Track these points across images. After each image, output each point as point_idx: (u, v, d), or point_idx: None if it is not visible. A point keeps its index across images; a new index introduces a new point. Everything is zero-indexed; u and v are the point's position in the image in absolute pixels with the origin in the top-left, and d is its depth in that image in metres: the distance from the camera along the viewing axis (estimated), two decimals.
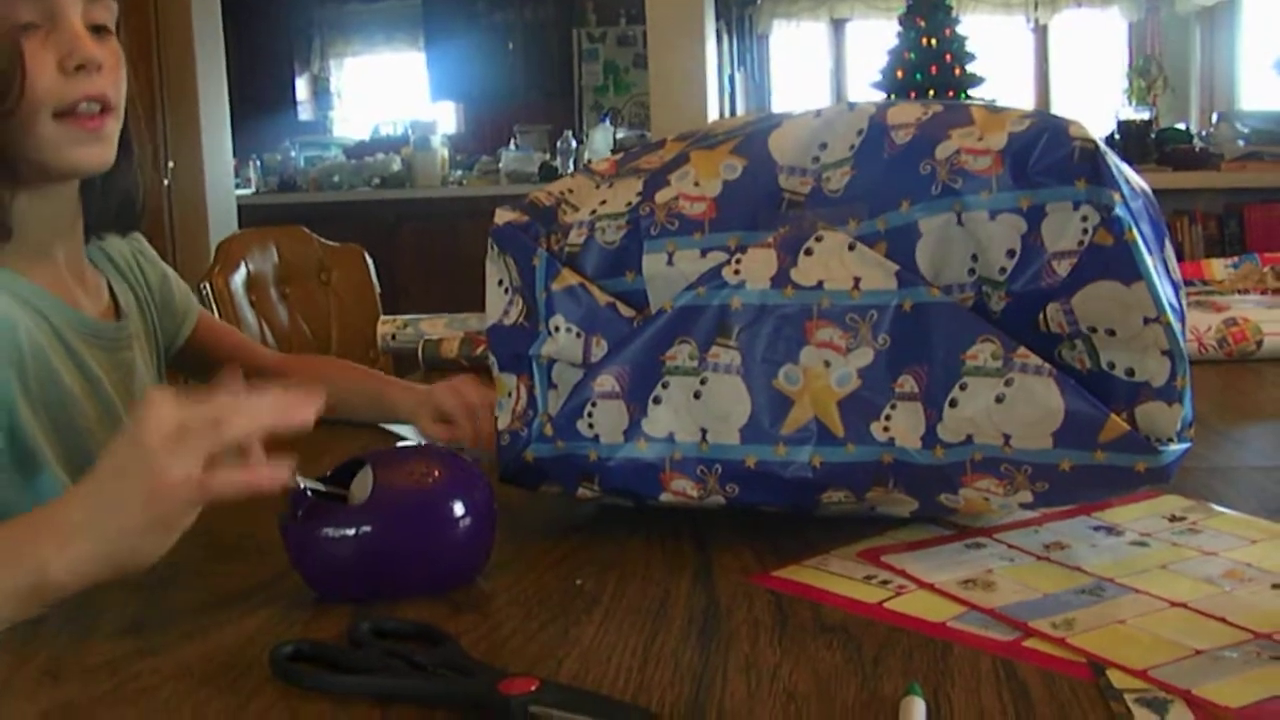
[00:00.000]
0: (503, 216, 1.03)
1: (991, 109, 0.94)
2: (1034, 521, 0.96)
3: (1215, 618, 0.76)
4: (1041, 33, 6.74)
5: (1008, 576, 0.85)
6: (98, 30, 1.11)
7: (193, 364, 1.43)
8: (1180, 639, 0.73)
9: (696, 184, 0.97)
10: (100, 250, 1.29)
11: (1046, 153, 0.88)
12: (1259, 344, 1.70)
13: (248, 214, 4.28)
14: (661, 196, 0.98)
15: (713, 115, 4.51)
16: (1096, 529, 0.95)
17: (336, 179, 6.17)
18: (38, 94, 1.05)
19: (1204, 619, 0.76)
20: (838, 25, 7.00)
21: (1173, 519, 0.96)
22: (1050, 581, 0.83)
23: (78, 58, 1.07)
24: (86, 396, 1.13)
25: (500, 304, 1.02)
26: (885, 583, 0.85)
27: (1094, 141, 0.87)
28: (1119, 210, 0.85)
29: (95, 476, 0.81)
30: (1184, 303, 0.91)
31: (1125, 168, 0.90)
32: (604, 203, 1.01)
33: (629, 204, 0.99)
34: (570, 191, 1.06)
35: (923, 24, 5.37)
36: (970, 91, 5.37)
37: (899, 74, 5.37)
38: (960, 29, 5.46)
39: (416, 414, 1.35)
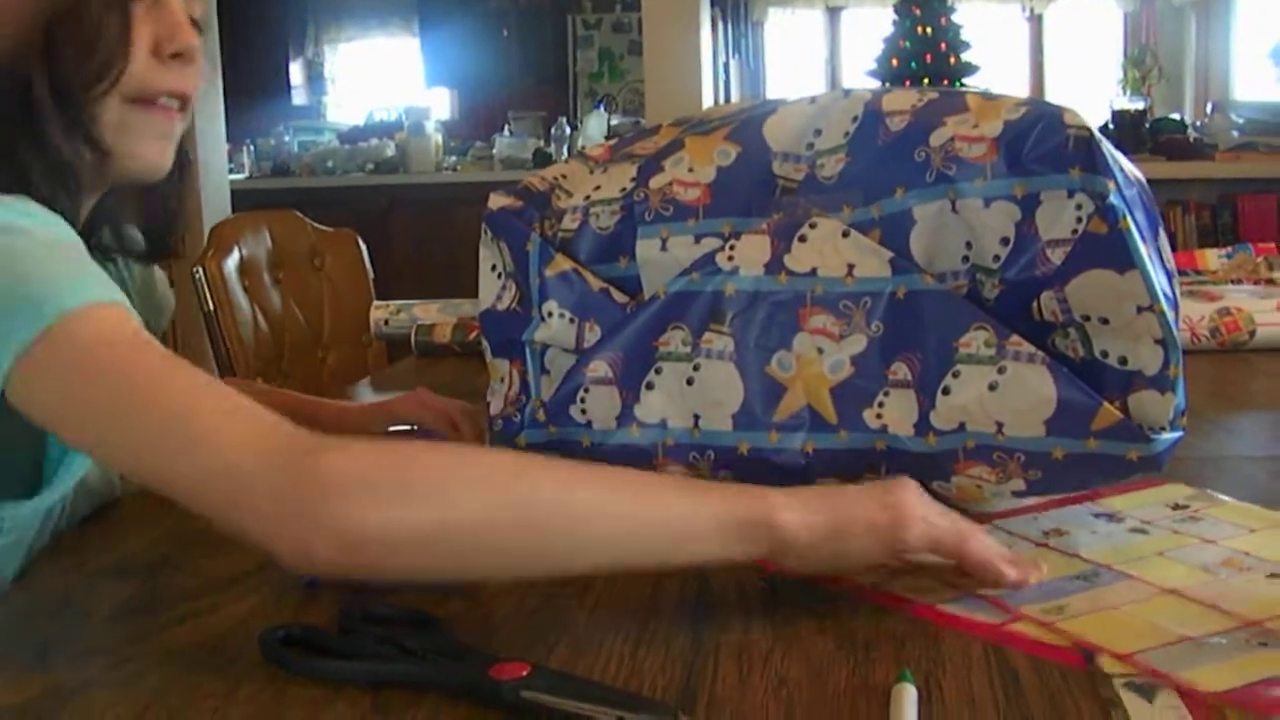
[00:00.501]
0: (497, 201, 1.03)
1: (987, 96, 0.94)
2: (1034, 509, 0.96)
3: (1207, 604, 0.76)
4: (1036, 22, 6.73)
5: None
6: (193, 24, 1.00)
7: None
8: (1171, 625, 0.73)
9: (691, 170, 0.97)
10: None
11: (1041, 140, 0.88)
12: (1252, 334, 1.70)
13: (241, 199, 4.27)
14: (656, 182, 0.97)
15: (707, 103, 4.50)
16: (1097, 516, 0.94)
17: (330, 164, 6.15)
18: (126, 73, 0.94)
19: (1196, 605, 0.76)
20: (833, 13, 6.98)
21: (1175, 507, 0.96)
22: (1047, 568, 0.83)
23: (178, 44, 0.96)
24: None
25: (493, 289, 1.02)
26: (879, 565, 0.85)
27: (1089, 129, 0.87)
28: (1113, 199, 0.85)
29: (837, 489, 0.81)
30: (1178, 292, 0.91)
31: (1120, 156, 0.90)
32: (598, 188, 1.00)
33: (623, 189, 0.99)
34: (564, 177, 1.06)
35: (918, 12, 5.35)
36: (965, 80, 5.36)
37: (894, 62, 5.35)
38: (955, 18, 5.45)
39: (367, 429, 1.29)
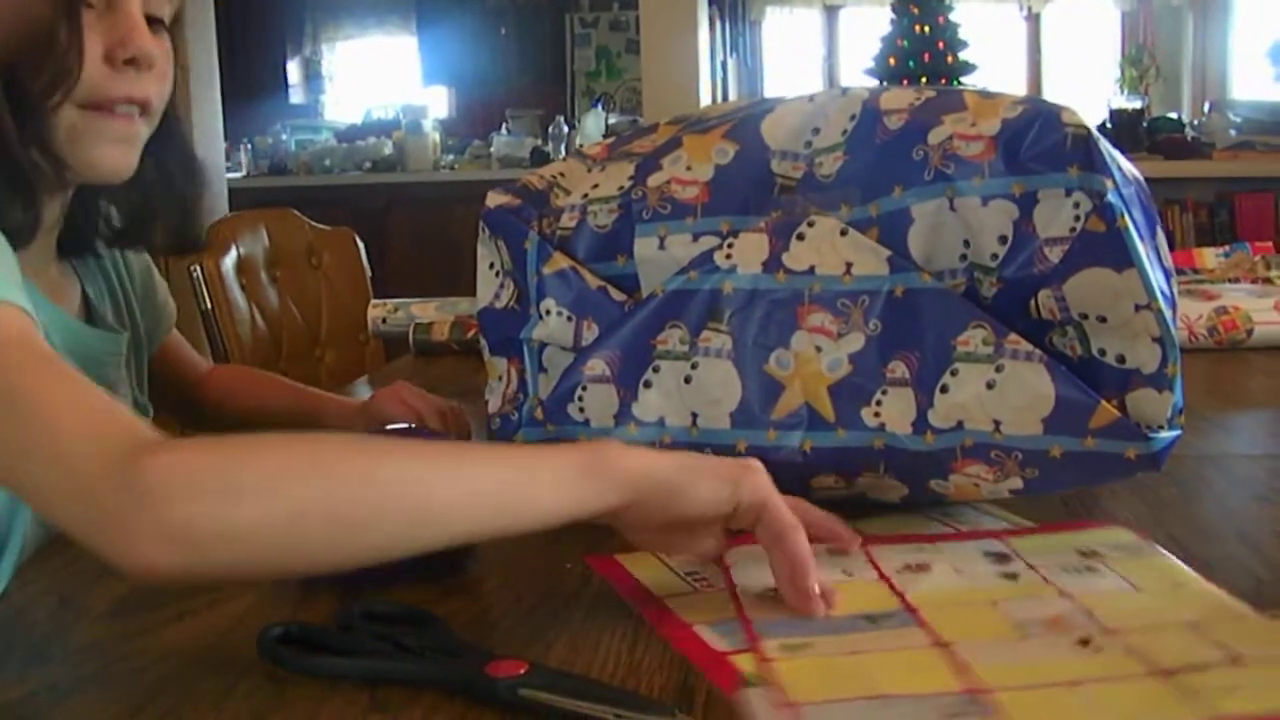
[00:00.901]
0: (494, 200, 1.03)
1: (985, 95, 0.94)
2: (930, 538, 0.90)
3: (958, 665, 0.68)
4: (1034, 21, 6.74)
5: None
6: (152, 23, 0.98)
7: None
8: (886, 680, 0.66)
9: (689, 168, 0.97)
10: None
11: (1039, 139, 0.88)
12: (1249, 332, 1.70)
13: (238, 197, 4.26)
14: (654, 180, 0.97)
15: (705, 101, 4.50)
16: (987, 554, 0.86)
17: (327, 163, 6.14)
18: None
19: (945, 664, 0.68)
20: (831, 12, 6.98)
21: (1082, 554, 0.85)
22: (845, 603, 0.77)
23: (131, 50, 0.94)
24: None
25: (491, 287, 1.02)
26: (697, 577, 0.83)
27: (1087, 128, 0.87)
28: (1111, 197, 0.85)
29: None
30: (1175, 290, 0.91)
31: (1118, 155, 0.90)
32: (596, 186, 1.00)
33: (621, 188, 0.99)
34: (562, 175, 1.06)
35: (916, 11, 5.35)
36: (963, 79, 5.36)
37: (891, 61, 5.35)
38: (953, 17, 5.45)
39: (352, 426, 1.27)
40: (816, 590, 0.76)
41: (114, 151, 0.98)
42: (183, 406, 1.38)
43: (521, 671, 0.66)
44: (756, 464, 0.77)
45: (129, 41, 0.94)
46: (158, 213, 1.11)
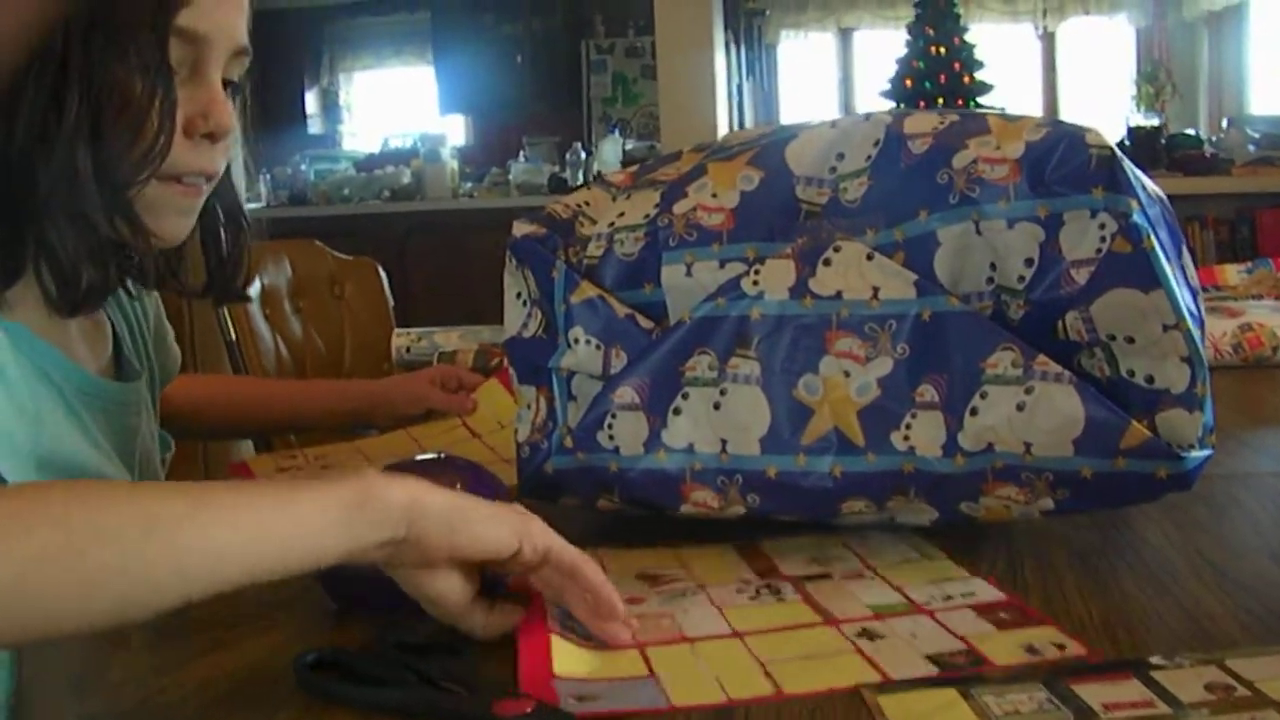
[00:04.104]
0: (520, 229, 1.04)
1: (1008, 118, 0.94)
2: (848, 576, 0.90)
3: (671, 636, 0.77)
4: (1049, 40, 6.73)
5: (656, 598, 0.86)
6: (226, 85, 0.96)
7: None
8: (603, 664, 0.74)
9: (714, 195, 0.98)
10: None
11: (1064, 161, 0.88)
12: (1275, 349, 1.69)
13: (258, 228, 4.29)
14: (679, 208, 0.98)
15: (722, 125, 4.51)
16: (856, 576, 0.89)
17: (347, 192, 6.18)
18: None
19: (672, 646, 0.76)
20: (845, 34, 7.00)
21: (933, 580, 0.87)
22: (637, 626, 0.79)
23: (211, 124, 0.92)
24: (98, 461, 0.98)
25: (519, 317, 1.03)
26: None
27: (1111, 149, 0.88)
28: (1137, 218, 0.86)
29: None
30: (1202, 309, 0.91)
31: (1141, 175, 0.90)
32: (622, 215, 1.01)
33: (647, 216, 0.99)
34: (587, 204, 1.07)
35: (931, 32, 5.37)
36: (979, 100, 5.37)
37: (908, 82, 5.36)
38: (968, 37, 5.46)
39: (374, 414, 1.32)
40: (623, 610, 0.77)
41: (178, 223, 0.97)
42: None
43: (527, 710, 0.66)
44: (529, 512, 0.77)
45: (210, 114, 0.92)
46: (189, 257, 1.09)
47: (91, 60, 0.84)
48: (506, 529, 0.75)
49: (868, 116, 0.99)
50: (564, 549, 0.77)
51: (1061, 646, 0.74)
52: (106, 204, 0.88)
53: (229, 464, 1.54)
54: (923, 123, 0.96)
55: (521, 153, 6.65)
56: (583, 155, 6.07)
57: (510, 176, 6.16)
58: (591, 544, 0.98)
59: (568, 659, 0.74)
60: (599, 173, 5.01)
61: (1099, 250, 0.87)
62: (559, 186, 5.72)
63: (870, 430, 0.90)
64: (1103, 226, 0.87)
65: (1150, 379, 0.87)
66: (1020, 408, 0.86)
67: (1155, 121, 4.77)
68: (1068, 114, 6.54)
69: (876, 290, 0.91)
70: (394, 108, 7.82)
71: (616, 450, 0.95)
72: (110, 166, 0.87)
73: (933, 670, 0.71)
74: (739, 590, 0.86)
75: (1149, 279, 0.86)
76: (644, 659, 0.75)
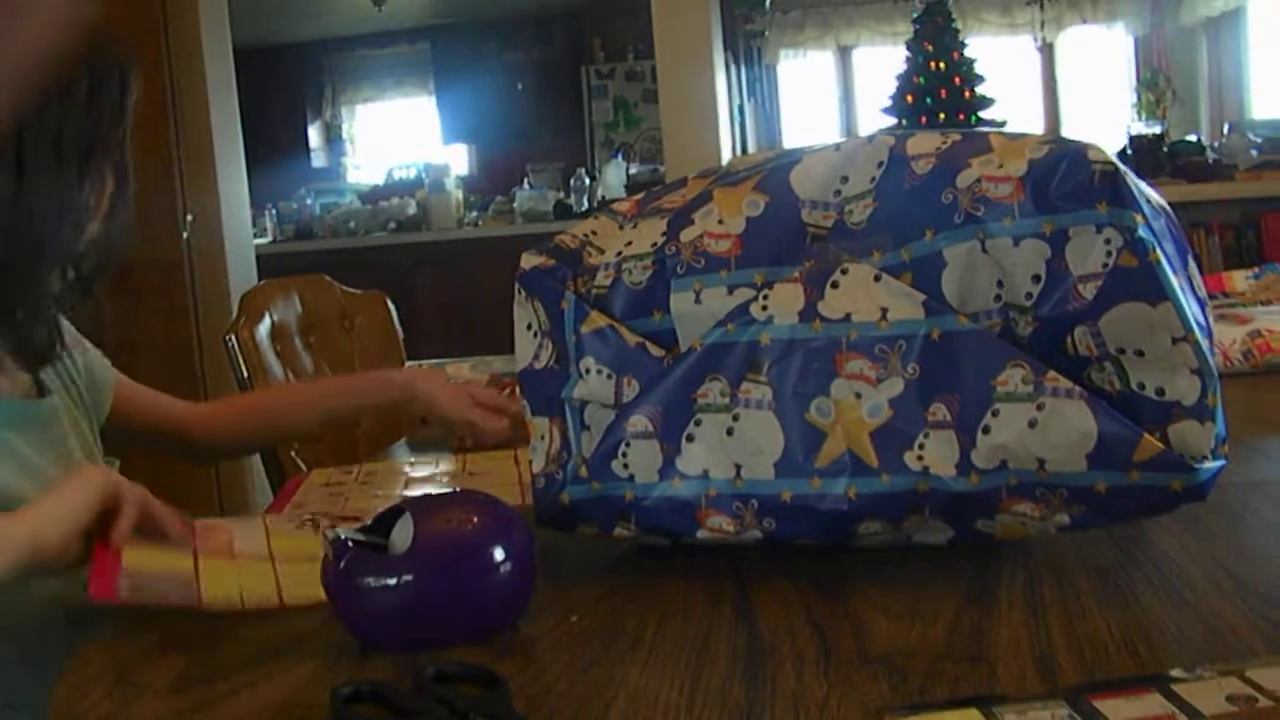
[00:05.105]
0: (529, 261, 1.04)
1: (1010, 136, 0.95)
2: None
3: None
4: (1048, 51, 6.76)
5: None
6: None
7: (121, 435, 1.34)
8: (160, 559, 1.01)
9: (720, 221, 0.98)
10: None
11: (1067, 177, 0.89)
12: None
13: (265, 263, 4.29)
14: (686, 235, 0.99)
15: (724, 146, 4.52)
16: None
17: (352, 225, 6.21)
18: None
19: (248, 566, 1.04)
20: (844, 52, 7.02)
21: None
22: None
23: None
24: (29, 486, 1.07)
25: (530, 348, 1.03)
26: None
27: (1114, 164, 0.88)
28: (1142, 231, 0.86)
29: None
30: (1210, 319, 0.92)
31: (1145, 187, 0.90)
32: (629, 244, 1.01)
33: (654, 244, 1.00)
34: (594, 234, 1.07)
35: (930, 48, 5.39)
36: (981, 113, 5.38)
37: (909, 99, 5.38)
38: (967, 51, 5.48)
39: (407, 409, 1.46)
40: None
41: None
42: (180, 449, 1.45)
43: None
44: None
45: None
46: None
47: None
48: (80, 497, 0.96)
49: (871, 138, 1.00)
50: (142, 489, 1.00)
51: None
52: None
53: (289, 478, 1.61)
54: (925, 143, 0.96)
55: (525, 180, 6.68)
56: (587, 181, 6.10)
57: (515, 204, 6.18)
58: (607, 575, 0.99)
59: (135, 556, 0.98)
60: (604, 200, 5.03)
61: (1105, 265, 0.87)
62: (564, 213, 5.74)
63: (884, 451, 0.90)
64: (1108, 241, 0.87)
65: (1161, 391, 0.87)
66: (1032, 424, 0.87)
67: (1157, 129, 4.77)
68: (1069, 124, 6.56)
69: (885, 311, 0.91)
70: (397, 139, 7.86)
71: (631, 479, 0.95)
72: (76, 275, 1.15)
73: None
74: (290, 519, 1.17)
75: (1156, 292, 0.86)
76: (195, 563, 1.00)
